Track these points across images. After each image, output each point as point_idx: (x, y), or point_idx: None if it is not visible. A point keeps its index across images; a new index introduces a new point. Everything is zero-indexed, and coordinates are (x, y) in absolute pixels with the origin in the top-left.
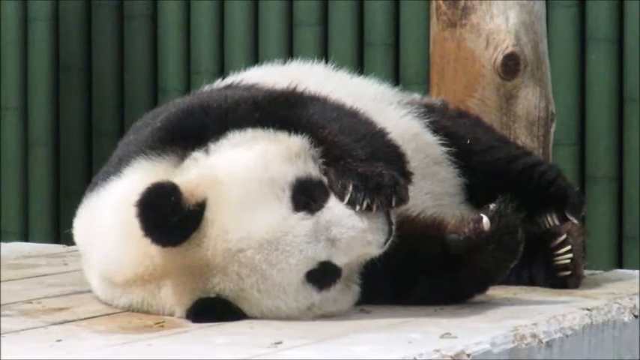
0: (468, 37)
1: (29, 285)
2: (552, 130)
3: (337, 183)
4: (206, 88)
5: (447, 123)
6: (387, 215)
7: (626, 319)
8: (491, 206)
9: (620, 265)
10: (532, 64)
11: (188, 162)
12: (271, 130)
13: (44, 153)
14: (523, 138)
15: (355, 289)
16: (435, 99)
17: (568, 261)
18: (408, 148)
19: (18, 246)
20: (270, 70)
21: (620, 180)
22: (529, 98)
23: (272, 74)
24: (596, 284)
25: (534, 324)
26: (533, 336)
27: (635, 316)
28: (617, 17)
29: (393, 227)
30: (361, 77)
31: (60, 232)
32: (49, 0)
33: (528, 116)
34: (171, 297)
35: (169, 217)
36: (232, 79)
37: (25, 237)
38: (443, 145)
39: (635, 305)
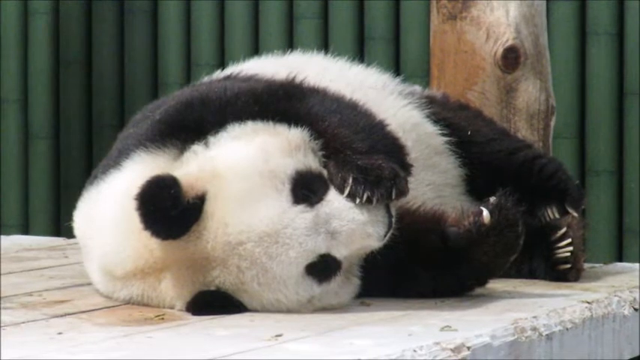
0: (468, 30)
1: (30, 278)
2: (552, 123)
3: (337, 176)
4: (205, 79)
5: (447, 114)
6: (387, 208)
7: (626, 312)
8: (492, 199)
9: (620, 259)
10: (532, 57)
11: (188, 155)
12: (271, 122)
13: (44, 146)
14: (523, 131)
15: (355, 282)
16: (435, 92)
17: (568, 254)
18: (409, 139)
19: (19, 239)
20: (270, 61)
21: (620, 173)
22: (529, 91)
23: (272, 65)
24: (596, 277)
25: (534, 317)
26: (534, 329)
27: (635, 310)
28: (618, 11)
29: (393, 220)
30: (361, 66)
31: (60, 225)
32: None
33: (528, 109)
34: (171, 290)
35: (169, 211)
36: (231, 70)
37: (26, 230)
38: (443, 135)
39: (635, 298)
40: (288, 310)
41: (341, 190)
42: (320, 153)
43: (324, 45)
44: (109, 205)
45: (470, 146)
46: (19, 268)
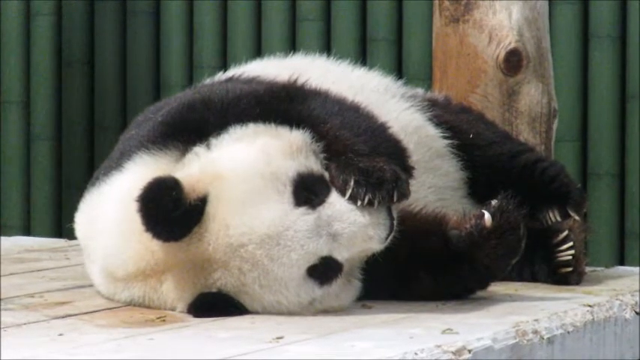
0: (470, 32)
1: (31, 279)
2: (555, 126)
3: (339, 178)
4: (207, 81)
5: (449, 117)
6: (389, 210)
7: (627, 315)
8: (493, 202)
9: (622, 262)
10: (535, 60)
11: (189, 157)
12: (273, 124)
13: (46, 147)
14: (525, 134)
15: (357, 285)
16: (437, 94)
17: (570, 257)
18: (410, 142)
19: (20, 240)
20: (272, 63)
21: (622, 177)
22: (531, 94)
23: (274, 67)
24: (597, 281)
25: (536, 320)
26: (535, 332)
27: (637, 313)
28: (620, 14)
29: (395, 222)
30: (363, 70)
31: (62, 226)
32: None
33: (531, 112)
34: (172, 292)
35: (171, 212)
36: (234, 72)
37: (28, 231)
38: (445, 138)
39: (636, 302)
40: (290, 313)
41: (342, 193)
42: (321, 155)
43: (327, 47)
44: (110, 206)
45: (471, 149)
46: (21, 269)
